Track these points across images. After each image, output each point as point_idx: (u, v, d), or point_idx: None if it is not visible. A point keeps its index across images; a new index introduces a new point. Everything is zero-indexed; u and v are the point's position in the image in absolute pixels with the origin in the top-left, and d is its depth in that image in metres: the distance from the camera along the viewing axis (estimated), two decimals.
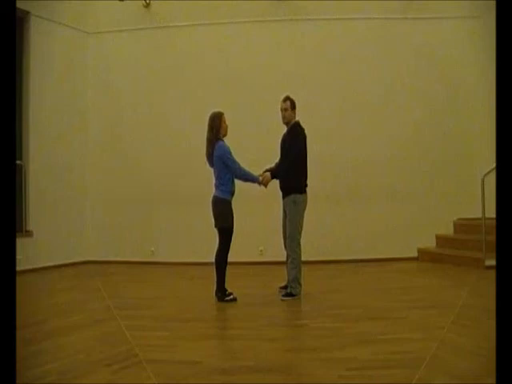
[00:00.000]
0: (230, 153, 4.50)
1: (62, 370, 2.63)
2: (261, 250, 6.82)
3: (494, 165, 5.20)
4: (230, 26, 7.13)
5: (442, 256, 6.48)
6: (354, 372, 2.54)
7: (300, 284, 4.50)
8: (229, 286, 4.61)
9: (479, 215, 5.83)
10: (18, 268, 4.91)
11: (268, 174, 4.63)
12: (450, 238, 6.76)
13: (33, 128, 6.61)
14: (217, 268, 4.49)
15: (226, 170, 4.49)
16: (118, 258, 7.04)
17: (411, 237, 6.77)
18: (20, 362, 2.54)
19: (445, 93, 7.03)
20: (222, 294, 4.45)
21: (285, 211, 4.67)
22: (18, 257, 5.23)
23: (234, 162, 4.49)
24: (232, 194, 4.53)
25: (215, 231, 4.37)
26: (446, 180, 6.90)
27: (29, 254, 6.21)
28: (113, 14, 7.37)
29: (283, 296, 4.45)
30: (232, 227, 4.49)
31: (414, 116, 6.98)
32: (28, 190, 6.48)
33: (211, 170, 6.89)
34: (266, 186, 4.60)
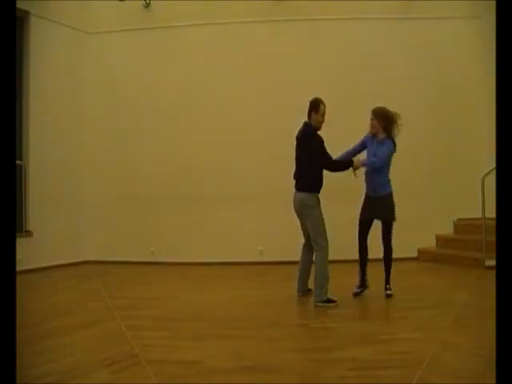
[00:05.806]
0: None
1: (62, 370, 2.63)
2: (260, 250, 6.82)
3: (494, 165, 5.19)
4: (230, 26, 7.11)
5: (442, 256, 6.47)
6: (354, 372, 2.54)
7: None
8: (228, 285, 4.61)
9: (479, 215, 5.82)
10: (18, 268, 4.90)
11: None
12: (450, 238, 6.76)
13: (33, 128, 6.59)
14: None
15: None
16: (118, 258, 7.03)
17: (411, 237, 6.74)
18: (20, 362, 2.53)
19: (444, 93, 7.01)
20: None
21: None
22: (18, 257, 5.21)
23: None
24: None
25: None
26: (445, 180, 6.88)
27: (29, 254, 6.19)
28: (113, 14, 7.35)
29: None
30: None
31: (413, 116, 6.96)
32: (28, 190, 6.47)
33: (211, 169, 6.99)
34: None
